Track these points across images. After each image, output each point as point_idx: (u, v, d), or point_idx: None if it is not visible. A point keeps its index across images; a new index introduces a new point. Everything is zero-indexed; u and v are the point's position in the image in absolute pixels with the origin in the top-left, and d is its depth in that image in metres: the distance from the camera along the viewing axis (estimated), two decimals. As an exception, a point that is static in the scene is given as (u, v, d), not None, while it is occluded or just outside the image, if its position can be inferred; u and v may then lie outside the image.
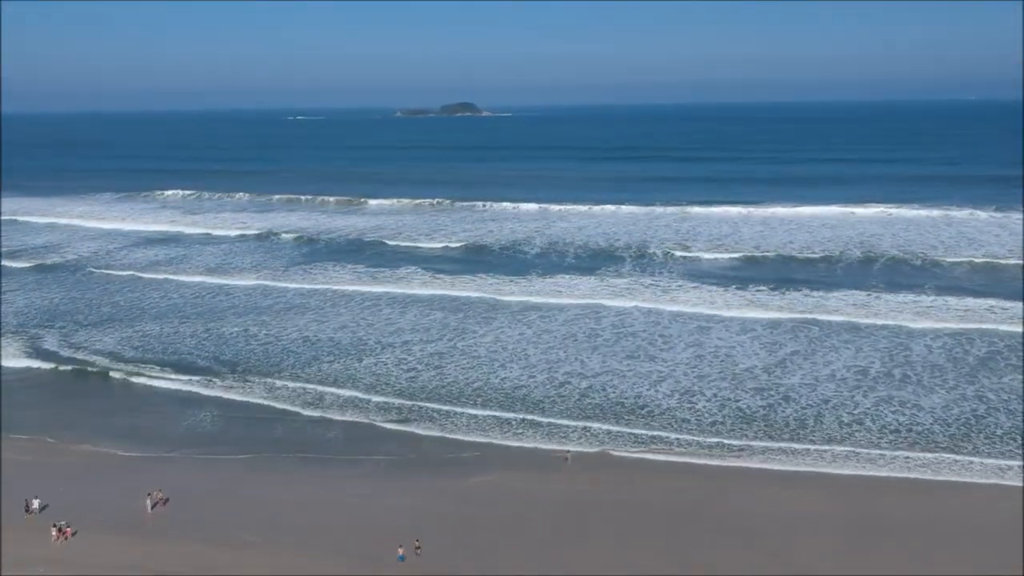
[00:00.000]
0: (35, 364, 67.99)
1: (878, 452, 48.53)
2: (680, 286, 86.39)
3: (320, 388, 60.86)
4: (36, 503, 43.07)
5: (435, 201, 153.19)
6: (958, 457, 47.67)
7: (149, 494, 43.15)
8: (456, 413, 55.91)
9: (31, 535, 40.42)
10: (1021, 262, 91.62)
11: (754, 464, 47.69)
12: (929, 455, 47.98)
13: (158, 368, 66.03)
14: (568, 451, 49.54)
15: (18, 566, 37.80)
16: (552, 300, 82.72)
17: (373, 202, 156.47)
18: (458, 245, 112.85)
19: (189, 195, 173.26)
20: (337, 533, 40.32)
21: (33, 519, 42.18)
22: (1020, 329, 68.65)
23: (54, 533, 40.02)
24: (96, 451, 51.58)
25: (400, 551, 37.55)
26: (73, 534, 40.19)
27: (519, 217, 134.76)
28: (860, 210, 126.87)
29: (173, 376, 64.26)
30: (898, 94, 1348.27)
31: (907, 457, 47.87)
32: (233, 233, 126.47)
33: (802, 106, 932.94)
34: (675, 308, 78.57)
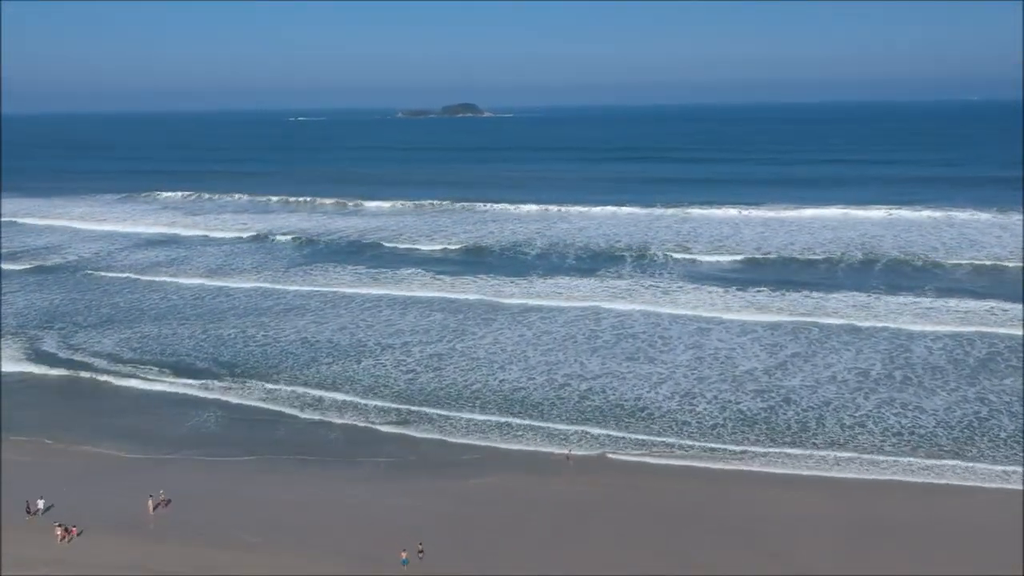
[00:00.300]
0: (34, 366, 67.90)
1: (882, 457, 48.34)
2: (680, 288, 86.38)
3: (319, 390, 60.78)
4: (41, 503, 43.06)
5: (435, 202, 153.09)
6: (960, 461, 47.49)
7: (151, 495, 43.13)
8: (455, 415, 55.86)
9: (32, 536, 40.43)
10: (1022, 264, 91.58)
11: (755, 467, 47.59)
12: (931, 460, 47.74)
13: (157, 370, 66.00)
14: (568, 452, 49.53)
15: (19, 567, 37.77)
16: (552, 302, 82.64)
17: (373, 203, 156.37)
18: (458, 246, 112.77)
19: (189, 196, 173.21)
20: (337, 534, 40.35)
21: (35, 520, 42.15)
22: (1020, 332, 68.57)
23: (59, 532, 39.98)
24: (96, 452, 51.56)
25: (403, 555, 37.42)
26: (79, 533, 40.18)
27: (519, 218, 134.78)
28: (861, 211, 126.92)
29: (172, 378, 64.19)
30: (898, 94, 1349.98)
31: (909, 461, 47.75)
32: (232, 235, 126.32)
33: (802, 106, 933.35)
34: (675, 310, 78.53)
